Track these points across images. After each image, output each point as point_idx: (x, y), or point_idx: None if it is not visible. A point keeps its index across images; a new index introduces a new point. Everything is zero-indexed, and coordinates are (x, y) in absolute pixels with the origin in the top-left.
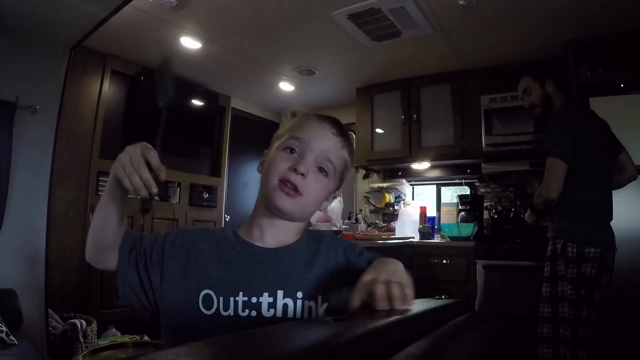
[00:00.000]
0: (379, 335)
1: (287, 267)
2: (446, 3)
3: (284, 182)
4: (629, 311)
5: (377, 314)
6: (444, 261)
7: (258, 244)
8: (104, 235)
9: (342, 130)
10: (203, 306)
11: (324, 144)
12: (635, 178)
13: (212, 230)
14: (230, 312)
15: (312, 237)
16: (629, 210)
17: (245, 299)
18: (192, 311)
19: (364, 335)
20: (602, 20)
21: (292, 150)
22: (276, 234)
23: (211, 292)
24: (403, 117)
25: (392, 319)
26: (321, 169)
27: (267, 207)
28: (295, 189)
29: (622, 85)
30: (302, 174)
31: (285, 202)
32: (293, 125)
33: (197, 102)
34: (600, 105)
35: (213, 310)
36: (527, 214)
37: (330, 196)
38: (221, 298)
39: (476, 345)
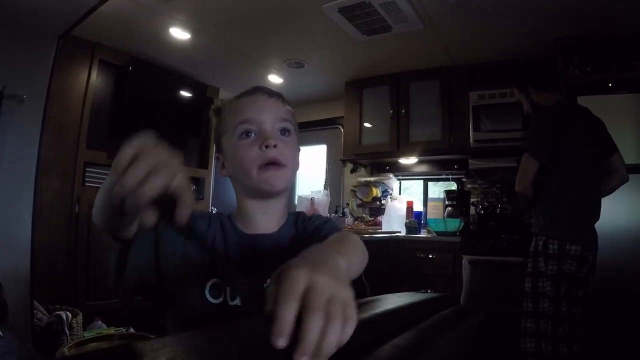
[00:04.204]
0: (364, 327)
1: (282, 251)
2: None
3: (264, 165)
4: (613, 308)
5: (363, 306)
6: (430, 256)
7: (258, 232)
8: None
9: (272, 91)
10: (210, 295)
11: (270, 109)
12: (626, 180)
13: (215, 216)
14: (237, 301)
15: (295, 216)
16: (612, 210)
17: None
18: (198, 299)
19: None
20: (592, 19)
21: (247, 134)
22: (269, 220)
23: (219, 281)
24: (391, 111)
25: (377, 311)
26: (283, 132)
27: (252, 196)
28: (278, 163)
29: (610, 85)
30: (275, 146)
31: (276, 180)
32: (231, 115)
33: (185, 93)
34: (588, 104)
35: (221, 299)
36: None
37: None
38: (228, 288)
39: (460, 338)
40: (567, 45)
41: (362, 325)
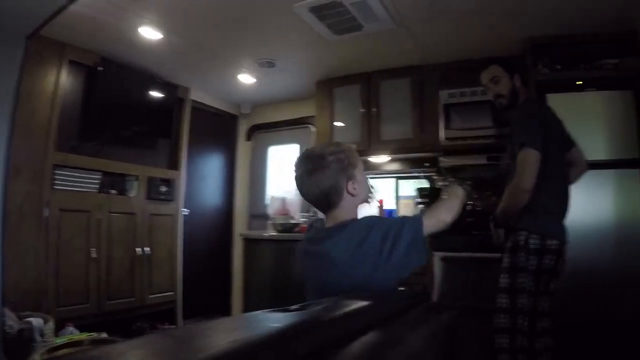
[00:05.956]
0: (335, 324)
1: None
2: None
3: None
4: (579, 301)
5: (333, 305)
6: None
7: None
8: None
9: None
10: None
11: None
12: (585, 171)
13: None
14: None
15: None
16: (582, 205)
17: None
18: None
19: (320, 324)
20: (561, 19)
21: None
22: None
23: None
24: (363, 110)
25: (347, 309)
26: None
27: (359, 206)
28: None
29: (578, 83)
30: None
31: None
32: (357, 157)
33: (155, 94)
34: (557, 102)
35: None
36: (493, 232)
37: None
38: None
39: (432, 334)
40: (537, 44)
41: (331, 323)
